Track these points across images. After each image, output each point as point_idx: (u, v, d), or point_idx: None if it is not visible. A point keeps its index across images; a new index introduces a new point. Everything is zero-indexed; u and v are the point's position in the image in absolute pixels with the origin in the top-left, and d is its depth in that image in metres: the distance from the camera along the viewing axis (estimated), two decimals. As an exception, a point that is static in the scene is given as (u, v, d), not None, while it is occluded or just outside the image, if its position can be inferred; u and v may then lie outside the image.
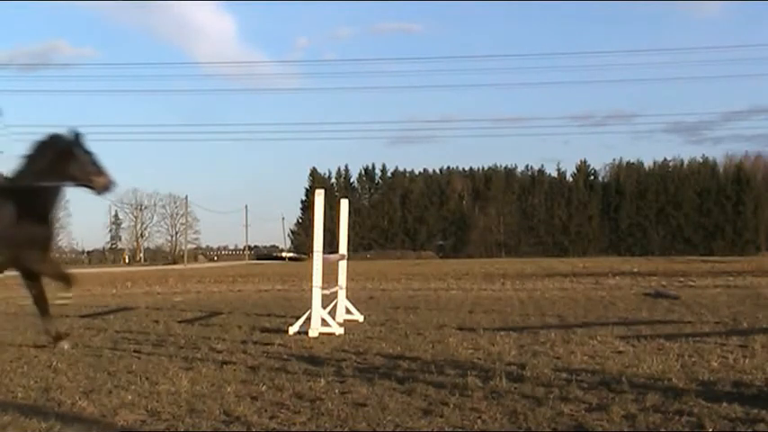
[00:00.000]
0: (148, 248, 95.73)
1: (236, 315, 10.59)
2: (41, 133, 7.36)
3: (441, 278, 22.52)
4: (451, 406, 4.44)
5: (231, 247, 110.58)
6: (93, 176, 7.18)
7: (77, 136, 7.23)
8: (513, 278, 22.12)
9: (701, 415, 4.08)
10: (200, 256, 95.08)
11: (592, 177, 79.62)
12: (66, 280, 7.67)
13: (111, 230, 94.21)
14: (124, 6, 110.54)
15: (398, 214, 79.66)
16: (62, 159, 7.13)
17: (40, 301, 7.47)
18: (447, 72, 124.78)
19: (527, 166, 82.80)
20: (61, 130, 7.30)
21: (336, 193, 65.01)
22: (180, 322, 9.66)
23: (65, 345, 7.29)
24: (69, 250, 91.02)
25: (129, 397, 4.89)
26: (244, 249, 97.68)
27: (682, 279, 19.44)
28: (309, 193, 74.37)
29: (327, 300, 8.99)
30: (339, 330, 8.14)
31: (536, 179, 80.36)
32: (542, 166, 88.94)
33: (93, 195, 7.33)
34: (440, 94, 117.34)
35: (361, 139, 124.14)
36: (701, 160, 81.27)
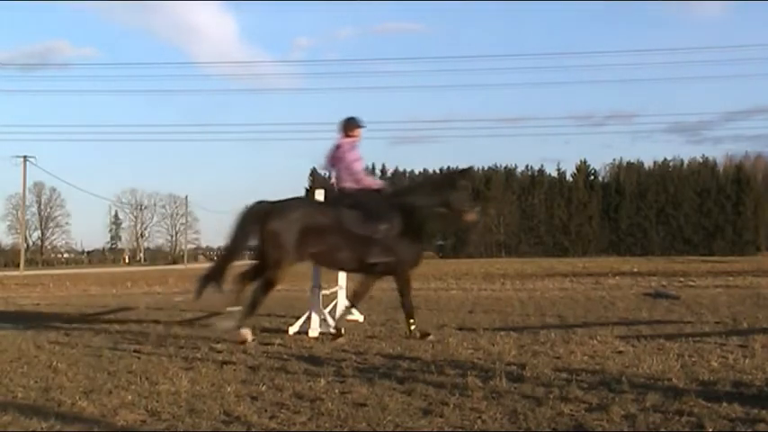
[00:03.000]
0: (148, 248, 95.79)
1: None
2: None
3: (440, 278, 22.51)
4: (451, 406, 4.44)
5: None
6: (465, 211, 7.90)
7: (468, 170, 8.09)
8: (513, 278, 22.12)
9: (701, 415, 4.08)
10: (201, 256, 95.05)
11: (592, 177, 79.63)
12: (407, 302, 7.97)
13: (111, 230, 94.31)
14: (124, 6, 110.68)
15: (398, 214, 79.56)
16: (445, 186, 7.87)
17: (359, 296, 8.12)
18: (447, 72, 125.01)
19: (527, 166, 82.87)
20: (462, 167, 8.23)
21: (336, 193, 64.93)
22: (180, 322, 9.65)
23: (341, 340, 7.51)
24: (68, 250, 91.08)
25: (129, 397, 4.89)
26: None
27: (682, 279, 19.44)
28: (309, 193, 74.32)
29: (327, 300, 8.99)
30: (339, 330, 8.13)
31: (536, 179, 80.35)
32: (542, 166, 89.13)
33: (455, 226, 8.17)
34: (440, 94, 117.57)
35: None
36: (701, 160, 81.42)
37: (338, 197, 8.02)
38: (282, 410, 4.46)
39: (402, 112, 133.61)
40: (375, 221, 7.62)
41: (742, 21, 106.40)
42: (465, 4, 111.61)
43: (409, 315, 7.81)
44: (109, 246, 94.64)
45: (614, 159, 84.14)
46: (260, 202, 7.90)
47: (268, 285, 7.74)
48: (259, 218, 7.67)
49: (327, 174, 8.34)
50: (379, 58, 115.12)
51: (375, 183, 8.05)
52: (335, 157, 8.10)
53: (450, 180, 8.01)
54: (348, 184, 7.96)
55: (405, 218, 7.71)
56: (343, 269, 8.23)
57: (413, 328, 7.70)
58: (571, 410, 4.30)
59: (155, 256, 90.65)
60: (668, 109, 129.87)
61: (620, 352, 6.38)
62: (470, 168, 8.10)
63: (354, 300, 8.15)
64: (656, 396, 4.53)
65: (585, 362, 5.92)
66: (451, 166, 9.06)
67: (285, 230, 7.49)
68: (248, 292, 7.85)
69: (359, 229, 7.60)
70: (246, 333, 7.44)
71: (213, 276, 7.88)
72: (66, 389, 5.19)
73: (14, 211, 79.78)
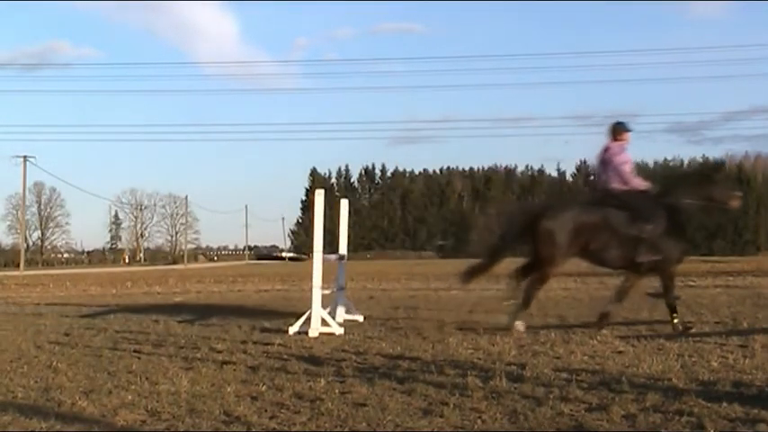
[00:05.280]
0: (148, 248, 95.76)
1: (236, 315, 10.58)
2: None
3: (441, 278, 22.48)
4: (451, 406, 4.44)
5: (231, 247, 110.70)
6: (728, 199, 8.40)
7: (722, 164, 8.71)
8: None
9: (701, 415, 4.08)
10: (200, 256, 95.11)
11: (592, 177, 79.59)
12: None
13: (111, 230, 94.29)
14: (125, 6, 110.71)
15: (398, 214, 79.65)
16: (704, 183, 8.35)
17: (624, 292, 8.51)
18: (447, 72, 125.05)
19: (527, 166, 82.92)
20: (711, 161, 8.68)
21: (336, 193, 65.02)
22: (180, 322, 9.65)
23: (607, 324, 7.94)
24: (68, 250, 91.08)
25: (129, 397, 4.89)
26: (244, 249, 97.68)
27: (682, 279, 19.40)
28: (309, 193, 74.32)
29: (327, 300, 8.99)
30: (339, 330, 8.14)
31: (536, 179, 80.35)
32: (542, 166, 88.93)
33: (721, 211, 8.89)
34: (440, 94, 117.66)
35: (361, 139, 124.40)
36: (701, 160, 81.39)
37: (605, 198, 8.33)
38: (282, 410, 4.46)
39: (402, 112, 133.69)
40: (642, 221, 7.98)
41: (742, 21, 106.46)
42: (465, 4, 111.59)
43: (672, 309, 8.09)
44: (109, 246, 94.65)
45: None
46: (530, 203, 8.32)
47: (541, 280, 8.29)
48: (533, 217, 8.19)
49: (597, 175, 8.76)
50: (378, 58, 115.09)
51: (642, 184, 8.33)
52: (604, 160, 8.46)
53: (707, 176, 8.52)
54: (616, 185, 8.27)
55: (670, 217, 8.07)
56: (610, 266, 8.61)
57: (675, 322, 7.95)
58: (571, 410, 4.30)
59: (155, 256, 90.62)
60: (668, 109, 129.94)
61: (620, 352, 6.38)
62: (723, 163, 8.54)
63: (619, 297, 8.45)
64: (656, 396, 4.53)
65: (585, 362, 5.92)
66: (700, 161, 9.79)
67: (558, 230, 7.98)
68: (522, 288, 8.27)
69: (626, 228, 7.97)
70: (520, 326, 7.85)
71: (479, 270, 8.61)
72: (66, 389, 5.19)
73: (14, 211, 79.82)
